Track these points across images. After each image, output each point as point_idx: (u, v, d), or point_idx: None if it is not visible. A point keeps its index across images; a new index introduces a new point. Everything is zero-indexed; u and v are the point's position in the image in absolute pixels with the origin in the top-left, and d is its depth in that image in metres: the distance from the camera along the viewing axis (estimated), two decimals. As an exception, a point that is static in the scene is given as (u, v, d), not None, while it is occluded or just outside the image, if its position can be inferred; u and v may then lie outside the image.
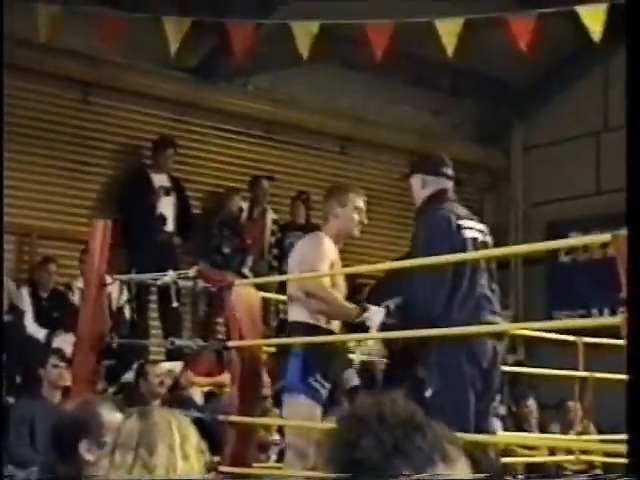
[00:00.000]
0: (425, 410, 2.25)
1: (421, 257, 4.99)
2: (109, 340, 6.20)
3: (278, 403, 5.74)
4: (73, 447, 3.58)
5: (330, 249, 5.63)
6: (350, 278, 9.74)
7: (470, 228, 5.22)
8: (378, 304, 5.37)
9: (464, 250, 5.07)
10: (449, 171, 5.42)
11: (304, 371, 5.40)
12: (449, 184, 5.39)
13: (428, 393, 4.93)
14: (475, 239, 5.21)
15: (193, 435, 2.97)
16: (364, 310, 5.28)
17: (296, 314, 5.61)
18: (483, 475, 2.32)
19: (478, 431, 4.87)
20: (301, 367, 5.40)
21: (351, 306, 5.45)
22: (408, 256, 5.93)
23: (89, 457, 3.53)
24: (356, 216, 5.76)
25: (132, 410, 3.03)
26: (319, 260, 5.54)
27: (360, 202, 5.78)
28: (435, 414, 2.35)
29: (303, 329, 5.51)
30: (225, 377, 8.34)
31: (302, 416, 5.35)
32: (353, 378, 5.79)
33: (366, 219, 5.85)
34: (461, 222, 5.20)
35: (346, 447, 2.24)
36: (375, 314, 5.22)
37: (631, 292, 2.86)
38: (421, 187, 5.33)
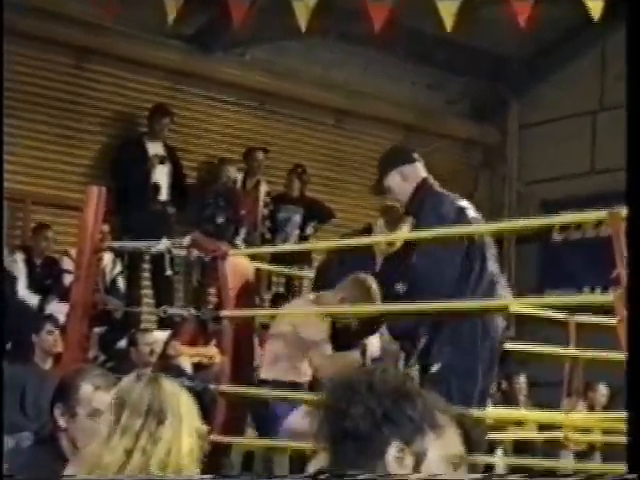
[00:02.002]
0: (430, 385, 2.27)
1: (433, 246, 4.93)
2: (101, 307, 6.20)
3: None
4: (51, 409, 3.66)
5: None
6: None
7: (468, 207, 5.19)
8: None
9: (473, 232, 5.04)
10: (417, 155, 5.36)
11: None
12: (424, 170, 5.31)
13: (434, 368, 4.91)
14: (476, 218, 5.19)
15: (196, 416, 2.96)
16: (364, 350, 5.24)
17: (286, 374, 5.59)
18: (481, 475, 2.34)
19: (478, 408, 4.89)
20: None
21: (353, 356, 5.40)
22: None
23: (61, 422, 3.58)
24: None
25: (141, 373, 3.01)
26: (317, 330, 5.55)
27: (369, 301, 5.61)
28: (440, 389, 2.36)
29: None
30: (213, 349, 8.35)
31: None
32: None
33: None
34: (460, 203, 5.16)
35: (336, 417, 2.25)
36: (373, 345, 5.20)
37: (631, 273, 2.86)
38: (402, 180, 5.18)
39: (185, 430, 2.89)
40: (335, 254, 6.24)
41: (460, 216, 5.07)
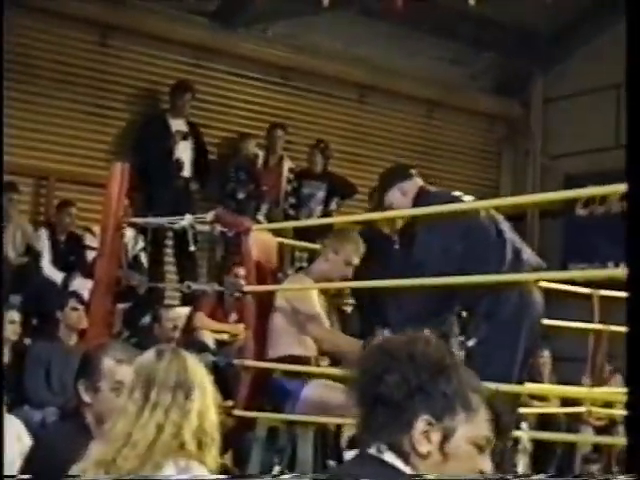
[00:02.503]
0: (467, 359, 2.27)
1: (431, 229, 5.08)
2: (125, 283, 6.22)
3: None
4: (75, 384, 3.68)
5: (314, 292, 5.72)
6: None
7: (462, 195, 5.35)
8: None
9: (478, 219, 5.12)
10: (415, 170, 5.60)
11: None
12: (421, 181, 5.52)
13: (471, 343, 4.97)
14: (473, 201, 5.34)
15: (214, 388, 3.03)
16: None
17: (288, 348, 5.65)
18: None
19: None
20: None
21: (356, 342, 5.50)
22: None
23: (85, 397, 3.59)
24: (344, 269, 5.77)
25: (162, 348, 3.05)
26: (311, 305, 5.64)
27: (355, 258, 5.78)
28: (476, 364, 2.36)
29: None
30: (240, 327, 8.34)
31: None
32: None
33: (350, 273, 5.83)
34: (453, 194, 5.39)
35: (371, 380, 2.25)
36: None
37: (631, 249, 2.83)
38: (402, 195, 5.41)
39: (211, 401, 2.95)
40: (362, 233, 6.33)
41: (454, 198, 5.28)
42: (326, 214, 10.33)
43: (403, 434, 2.22)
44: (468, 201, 5.28)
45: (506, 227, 5.19)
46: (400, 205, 5.40)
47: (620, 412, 7.31)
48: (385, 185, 5.53)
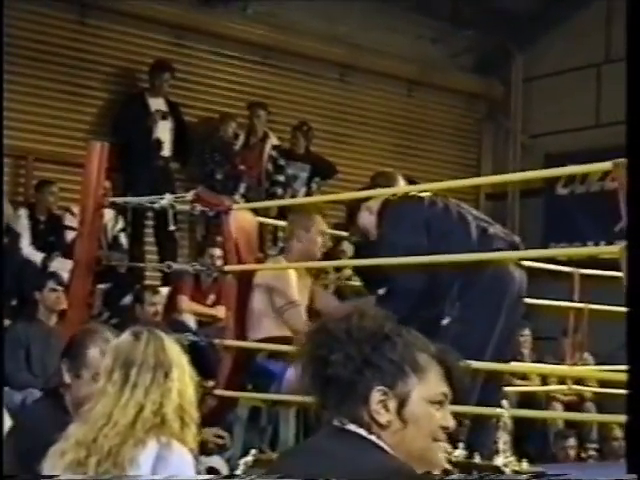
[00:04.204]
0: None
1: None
2: (105, 263, 6.19)
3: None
4: (59, 362, 3.69)
5: (292, 275, 5.72)
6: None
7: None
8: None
9: (437, 208, 5.22)
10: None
11: None
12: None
13: (445, 321, 4.99)
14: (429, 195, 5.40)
15: (188, 364, 3.07)
16: None
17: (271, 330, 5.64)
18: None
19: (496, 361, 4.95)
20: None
21: None
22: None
23: (66, 377, 3.59)
24: (320, 239, 5.84)
25: (138, 329, 3.06)
26: (289, 288, 5.63)
27: (324, 225, 5.90)
28: (448, 342, 2.38)
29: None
30: (221, 311, 8.33)
31: None
32: None
33: (328, 242, 6.04)
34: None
35: (318, 364, 2.28)
36: None
37: (631, 223, 2.83)
38: (369, 214, 5.47)
39: (189, 380, 2.99)
40: None
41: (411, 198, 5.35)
42: (308, 195, 10.29)
43: (361, 408, 2.25)
44: (429, 196, 5.31)
45: (468, 211, 5.29)
46: (369, 223, 5.46)
47: (592, 389, 7.35)
48: (354, 209, 5.61)
